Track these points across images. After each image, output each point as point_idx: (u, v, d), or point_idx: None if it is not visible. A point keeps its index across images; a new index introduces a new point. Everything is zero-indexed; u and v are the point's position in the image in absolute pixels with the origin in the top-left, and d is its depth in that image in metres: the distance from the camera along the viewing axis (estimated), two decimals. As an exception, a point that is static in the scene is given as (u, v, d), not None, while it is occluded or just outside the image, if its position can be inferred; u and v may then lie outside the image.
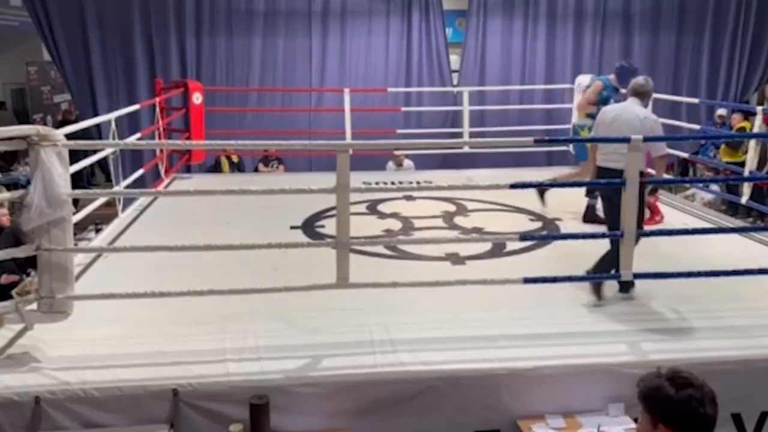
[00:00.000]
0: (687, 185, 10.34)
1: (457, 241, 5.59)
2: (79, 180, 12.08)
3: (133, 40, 9.61)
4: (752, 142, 6.67)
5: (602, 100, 6.25)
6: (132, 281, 4.16)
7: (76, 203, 4.87)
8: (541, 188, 6.36)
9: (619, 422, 3.39)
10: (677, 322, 4.07)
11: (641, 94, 4.75)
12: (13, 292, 4.96)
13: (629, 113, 4.64)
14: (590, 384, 3.57)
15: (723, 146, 10.08)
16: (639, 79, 4.82)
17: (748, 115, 9.57)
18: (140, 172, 7.18)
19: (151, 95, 8.85)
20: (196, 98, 8.52)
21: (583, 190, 6.41)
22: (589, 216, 6.25)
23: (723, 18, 10.48)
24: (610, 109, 4.89)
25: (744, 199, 6.68)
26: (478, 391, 3.51)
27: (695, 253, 5.04)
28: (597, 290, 4.40)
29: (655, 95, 8.17)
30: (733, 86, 10.69)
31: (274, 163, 9.83)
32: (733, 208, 9.37)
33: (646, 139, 4.09)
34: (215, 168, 9.88)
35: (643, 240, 4.32)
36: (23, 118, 13.24)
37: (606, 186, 4.56)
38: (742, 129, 9.67)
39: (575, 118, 6.82)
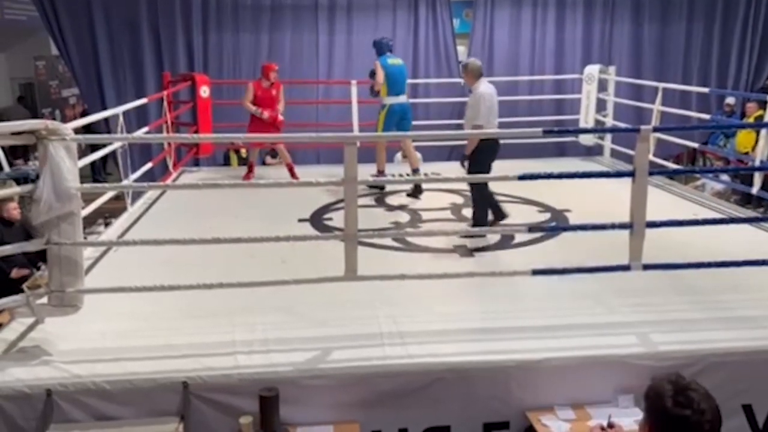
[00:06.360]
0: (697, 175, 10.25)
1: (465, 233, 5.58)
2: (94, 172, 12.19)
3: (141, 34, 9.60)
4: (763, 131, 6.60)
5: None
6: (141, 274, 4.19)
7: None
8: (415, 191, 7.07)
9: (628, 414, 3.36)
10: (687, 312, 4.05)
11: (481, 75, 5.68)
12: (24, 286, 5.00)
13: (494, 92, 5.67)
14: (599, 375, 3.56)
15: (740, 133, 9.91)
16: (479, 62, 5.72)
17: (763, 103, 9.45)
18: (149, 165, 7.19)
19: (158, 89, 8.87)
20: (204, 91, 8.51)
21: (593, 181, 6.38)
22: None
23: (733, 5, 10.36)
24: (490, 91, 5.62)
25: (755, 189, 6.61)
26: (487, 383, 3.51)
27: (705, 244, 5.01)
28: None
29: (665, 84, 8.16)
30: (744, 74, 10.57)
31: (281, 156, 9.80)
32: (744, 198, 9.29)
33: (656, 129, 4.10)
34: (225, 162, 9.90)
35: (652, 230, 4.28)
36: (31, 113, 13.26)
37: None
38: (760, 118, 9.53)
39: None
